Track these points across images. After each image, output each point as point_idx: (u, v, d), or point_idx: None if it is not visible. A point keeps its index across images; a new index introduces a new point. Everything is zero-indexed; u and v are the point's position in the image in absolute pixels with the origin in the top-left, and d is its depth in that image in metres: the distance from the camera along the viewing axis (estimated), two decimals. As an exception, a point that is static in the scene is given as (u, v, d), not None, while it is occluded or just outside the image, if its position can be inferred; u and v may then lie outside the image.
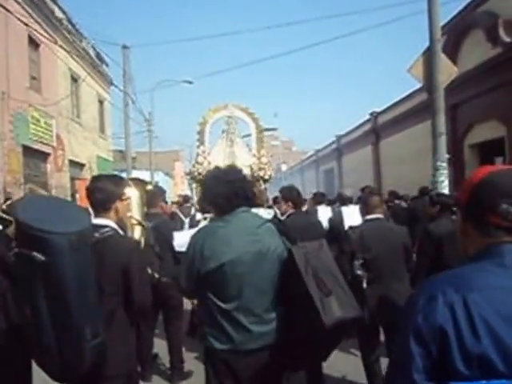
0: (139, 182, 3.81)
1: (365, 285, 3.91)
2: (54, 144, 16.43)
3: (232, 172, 2.79)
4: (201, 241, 2.62)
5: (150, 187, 3.97)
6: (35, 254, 2.07)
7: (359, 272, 3.91)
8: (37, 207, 2.27)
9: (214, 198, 2.71)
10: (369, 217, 4.23)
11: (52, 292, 2.14)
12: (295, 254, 2.48)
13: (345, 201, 6.53)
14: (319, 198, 7.84)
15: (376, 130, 21.89)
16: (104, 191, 2.67)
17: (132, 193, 3.20)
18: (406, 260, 4.19)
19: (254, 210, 5.41)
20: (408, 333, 1.21)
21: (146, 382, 4.74)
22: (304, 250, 2.51)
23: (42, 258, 2.06)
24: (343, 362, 4.97)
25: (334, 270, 2.56)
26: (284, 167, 54.76)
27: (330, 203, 8.03)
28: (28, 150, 14.48)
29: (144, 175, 23.76)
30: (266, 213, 5.85)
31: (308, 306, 2.37)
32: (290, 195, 5.15)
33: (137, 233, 3.51)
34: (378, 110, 21.95)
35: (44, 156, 15.99)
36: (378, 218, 4.22)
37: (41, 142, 15.38)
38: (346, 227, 5.08)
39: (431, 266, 4.89)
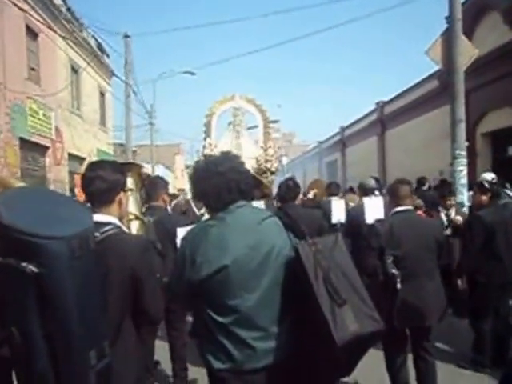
0: (132, 166, 3.17)
1: (399, 285, 3.58)
2: (53, 137, 16.06)
3: (223, 162, 2.34)
4: (191, 244, 2.24)
5: (144, 171, 3.40)
6: (25, 264, 1.64)
7: (394, 271, 3.58)
8: (23, 204, 1.80)
9: (204, 194, 2.32)
10: (398, 209, 3.90)
11: (48, 311, 1.71)
12: (302, 253, 2.09)
13: (367, 191, 5.95)
14: (333, 189, 7.35)
15: (382, 120, 21.46)
16: (107, 180, 2.23)
17: (128, 181, 2.62)
18: (438, 256, 3.87)
19: (256, 203, 5.05)
20: None
21: None
22: (314, 248, 2.10)
23: (35, 270, 1.64)
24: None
25: (349, 273, 2.13)
26: (285, 160, 54.30)
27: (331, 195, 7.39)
28: (25, 143, 14.11)
29: (144, 169, 23.44)
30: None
31: (317, 318, 1.96)
32: (278, 191, 5.11)
33: (134, 229, 3.00)
34: (385, 99, 21.52)
35: (42, 149, 15.60)
36: (407, 210, 3.90)
37: (39, 135, 15.01)
38: (368, 220, 4.93)
39: (478, 254, 4.68)
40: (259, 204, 5.02)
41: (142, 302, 2.15)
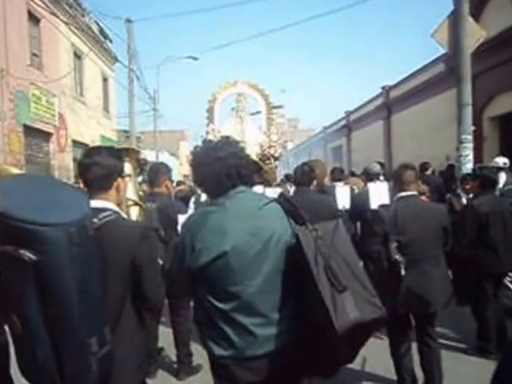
0: (130, 152, 3.08)
1: (403, 271, 3.51)
2: (57, 123, 16.04)
3: (222, 146, 2.29)
4: (190, 231, 2.20)
5: (142, 156, 3.32)
6: (23, 252, 1.62)
7: (397, 257, 3.50)
8: (20, 192, 1.78)
9: (203, 180, 2.28)
10: (402, 194, 3.80)
11: (48, 298, 1.69)
12: (302, 239, 2.04)
13: (372, 176, 5.91)
14: (337, 175, 7.14)
15: (388, 105, 21.25)
16: (105, 166, 2.19)
17: (126, 166, 2.58)
18: (443, 242, 3.79)
19: (260, 190, 4.97)
20: None
21: (150, 378, 4.22)
22: (314, 235, 2.05)
23: (34, 258, 1.62)
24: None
25: (350, 259, 2.08)
26: (290, 145, 54.01)
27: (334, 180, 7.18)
28: (29, 130, 14.11)
29: (149, 155, 23.41)
30: (273, 192, 5.38)
31: (318, 305, 1.93)
32: (294, 175, 5.08)
33: (134, 215, 2.91)
34: (391, 83, 21.30)
35: (46, 136, 15.61)
36: (412, 195, 3.79)
37: (42, 122, 14.99)
38: (373, 206, 4.81)
39: (471, 244, 4.61)
40: (258, 189, 5.03)
41: (142, 289, 2.13)
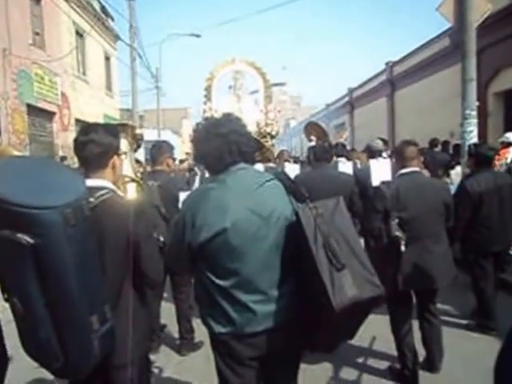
0: (126, 127, 3.02)
1: (403, 247, 3.55)
2: (60, 102, 16.00)
3: (224, 123, 2.29)
4: (190, 207, 2.21)
5: (139, 131, 3.29)
6: (21, 236, 1.65)
7: (398, 233, 3.53)
8: (11, 174, 1.77)
9: (204, 156, 2.27)
10: (404, 170, 3.80)
11: (47, 280, 1.73)
12: (302, 217, 2.04)
13: (373, 153, 5.85)
14: (339, 151, 6.78)
15: (391, 81, 21.04)
16: (101, 144, 2.18)
17: (122, 143, 2.55)
18: (446, 218, 3.82)
19: (259, 167, 5.04)
20: None
21: (153, 354, 4.30)
22: (314, 212, 2.04)
23: (31, 241, 1.65)
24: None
25: (350, 237, 2.07)
26: (293, 123, 53.65)
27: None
28: (33, 110, 14.10)
29: (152, 134, 23.37)
30: (292, 169, 5.59)
31: (316, 282, 1.95)
32: (313, 153, 4.98)
33: (131, 191, 2.88)
34: (394, 59, 21.07)
35: (49, 115, 15.60)
36: (414, 172, 3.80)
37: (45, 101, 14.95)
38: (374, 183, 4.78)
39: (466, 225, 4.58)
40: (258, 167, 5.07)
41: (141, 266, 2.14)
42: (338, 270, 1.94)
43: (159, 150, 4.68)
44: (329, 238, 1.99)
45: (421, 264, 3.61)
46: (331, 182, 4.52)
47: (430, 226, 3.66)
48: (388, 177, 4.67)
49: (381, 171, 4.92)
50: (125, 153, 2.45)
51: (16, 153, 2.42)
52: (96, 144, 2.17)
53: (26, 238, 1.65)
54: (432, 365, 3.91)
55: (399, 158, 3.92)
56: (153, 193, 4.24)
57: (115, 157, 2.27)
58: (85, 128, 2.30)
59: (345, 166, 5.96)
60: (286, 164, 7.16)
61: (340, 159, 6.33)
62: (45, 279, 1.72)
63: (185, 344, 4.64)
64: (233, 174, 2.22)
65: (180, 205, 3.93)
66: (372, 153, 5.94)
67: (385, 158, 5.61)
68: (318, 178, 4.54)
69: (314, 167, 4.98)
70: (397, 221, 3.54)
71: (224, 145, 2.20)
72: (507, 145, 7.90)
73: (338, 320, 1.98)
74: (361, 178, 5.31)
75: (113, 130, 2.35)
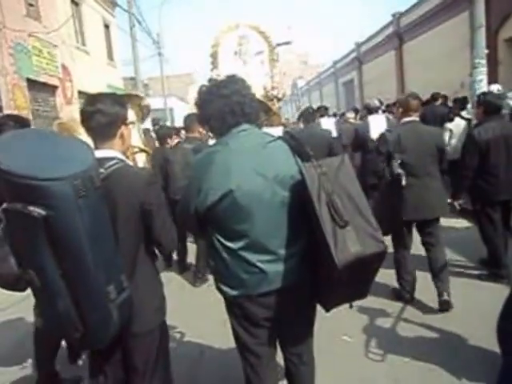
0: (132, 98, 3.07)
1: (404, 182, 4.07)
2: (61, 75, 15.75)
3: (226, 84, 2.29)
4: (196, 172, 2.23)
5: (145, 102, 3.28)
6: (32, 208, 1.66)
7: (399, 170, 4.07)
8: (20, 147, 1.78)
9: (208, 118, 2.27)
10: (405, 119, 4.35)
11: (61, 251, 1.75)
12: (307, 175, 2.05)
13: (371, 110, 7.06)
14: (321, 111, 9.38)
15: (399, 33, 20.45)
16: (108, 114, 2.16)
17: (129, 113, 2.51)
18: (439, 160, 4.34)
19: (267, 130, 5.21)
20: None
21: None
22: (318, 171, 2.05)
23: (43, 213, 1.66)
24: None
25: (355, 194, 2.07)
26: (301, 82, 52.72)
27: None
28: (33, 84, 13.86)
29: (157, 102, 23.11)
30: (277, 131, 5.93)
31: (321, 240, 1.96)
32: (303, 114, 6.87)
33: (140, 161, 2.92)
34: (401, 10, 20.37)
35: (51, 89, 15.35)
36: (414, 121, 4.35)
37: (46, 74, 14.71)
38: (373, 135, 5.93)
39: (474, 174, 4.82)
40: (277, 130, 5.78)
41: (154, 234, 2.17)
42: (341, 226, 1.97)
43: (191, 120, 5.89)
44: (332, 195, 2.01)
45: (420, 197, 4.18)
46: (315, 137, 5.95)
47: (425, 166, 4.23)
48: (383, 129, 5.19)
49: (378, 125, 5.99)
50: (132, 123, 2.47)
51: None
52: (103, 114, 2.15)
53: (38, 210, 1.66)
54: (441, 296, 4.15)
55: (405, 108, 4.38)
56: (188, 154, 5.42)
57: (123, 127, 2.26)
58: (91, 98, 2.27)
59: (327, 123, 8.34)
60: (322, 120, 8.86)
61: (322, 119, 8.76)
62: (59, 250, 1.75)
63: (199, 278, 5.65)
64: (235, 136, 2.23)
65: None
66: (370, 110, 7.14)
67: (380, 114, 7.08)
68: (307, 135, 5.86)
69: (304, 126, 6.54)
70: (399, 161, 4.10)
71: (226, 106, 2.21)
72: None
73: (347, 278, 2.00)
74: (360, 132, 6.84)
75: (120, 99, 2.33)
